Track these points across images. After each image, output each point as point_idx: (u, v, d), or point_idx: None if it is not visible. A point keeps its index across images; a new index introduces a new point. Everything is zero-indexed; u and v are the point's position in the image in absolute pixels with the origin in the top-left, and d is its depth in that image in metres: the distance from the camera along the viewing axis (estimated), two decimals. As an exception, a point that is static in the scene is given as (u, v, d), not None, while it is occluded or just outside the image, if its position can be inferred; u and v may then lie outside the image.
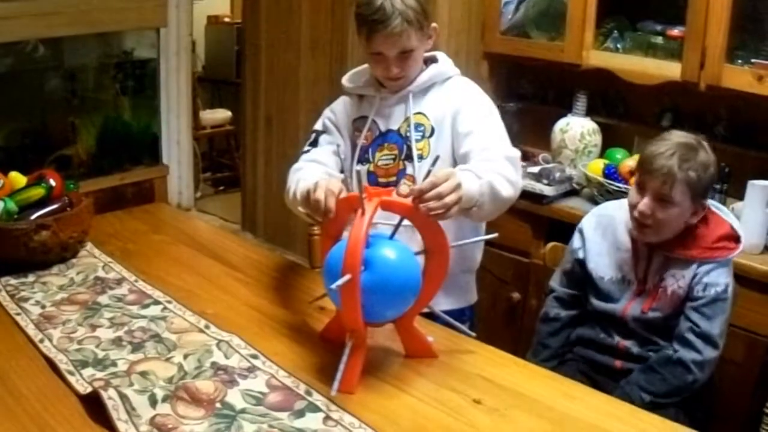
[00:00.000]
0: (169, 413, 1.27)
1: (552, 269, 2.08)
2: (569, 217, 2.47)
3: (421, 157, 1.73)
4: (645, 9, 2.60)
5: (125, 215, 2.32)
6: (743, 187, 2.22)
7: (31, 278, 1.81)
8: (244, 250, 2.07)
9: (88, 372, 1.39)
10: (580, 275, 1.95)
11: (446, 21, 2.76)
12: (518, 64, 2.97)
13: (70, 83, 2.53)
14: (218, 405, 1.30)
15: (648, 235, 1.80)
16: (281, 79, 3.15)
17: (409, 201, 1.37)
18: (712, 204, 1.86)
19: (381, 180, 1.77)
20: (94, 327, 1.57)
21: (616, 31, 2.61)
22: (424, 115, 1.76)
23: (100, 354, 1.46)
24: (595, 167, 2.57)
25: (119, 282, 1.80)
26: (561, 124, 2.78)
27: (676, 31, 2.45)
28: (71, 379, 1.37)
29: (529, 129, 2.97)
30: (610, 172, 2.49)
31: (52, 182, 1.97)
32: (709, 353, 1.75)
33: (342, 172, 1.77)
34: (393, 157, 1.77)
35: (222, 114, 5.23)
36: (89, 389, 1.31)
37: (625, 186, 2.43)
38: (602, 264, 1.90)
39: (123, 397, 1.27)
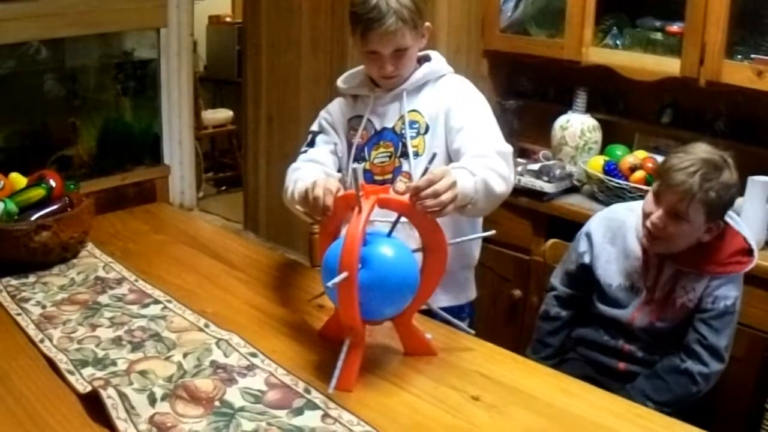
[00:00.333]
0: (168, 412, 1.27)
1: (552, 266, 2.08)
2: (570, 214, 2.48)
3: (416, 154, 1.74)
4: (644, 5, 2.59)
5: (126, 215, 2.33)
6: (743, 183, 2.20)
7: (31, 279, 1.82)
8: (245, 250, 2.08)
9: (87, 371, 1.39)
10: (583, 278, 1.93)
11: (446, 19, 2.76)
12: (518, 62, 2.97)
13: (71, 84, 2.53)
14: (217, 403, 1.30)
15: (658, 246, 1.77)
16: (282, 78, 3.15)
17: (406, 198, 1.38)
18: (727, 214, 1.79)
19: (377, 178, 1.78)
20: (94, 327, 1.58)
21: (615, 28, 2.61)
22: (419, 112, 1.77)
23: (100, 353, 1.46)
24: (596, 164, 2.57)
25: (119, 282, 1.81)
26: (561, 121, 2.78)
27: (675, 27, 2.45)
28: (71, 378, 1.37)
29: (529, 126, 2.98)
30: (611, 169, 2.49)
31: (53, 183, 1.98)
32: (715, 366, 1.75)
33: (339, 171, 1.78)
34: (389, 154, 1.78)
35: (224, 114, 5.24)
36: (89, 388, 1.32)
37: (626, 182, 2.43)
38: (611, 271, 1.87)
39: (122, 396, 1.28)
